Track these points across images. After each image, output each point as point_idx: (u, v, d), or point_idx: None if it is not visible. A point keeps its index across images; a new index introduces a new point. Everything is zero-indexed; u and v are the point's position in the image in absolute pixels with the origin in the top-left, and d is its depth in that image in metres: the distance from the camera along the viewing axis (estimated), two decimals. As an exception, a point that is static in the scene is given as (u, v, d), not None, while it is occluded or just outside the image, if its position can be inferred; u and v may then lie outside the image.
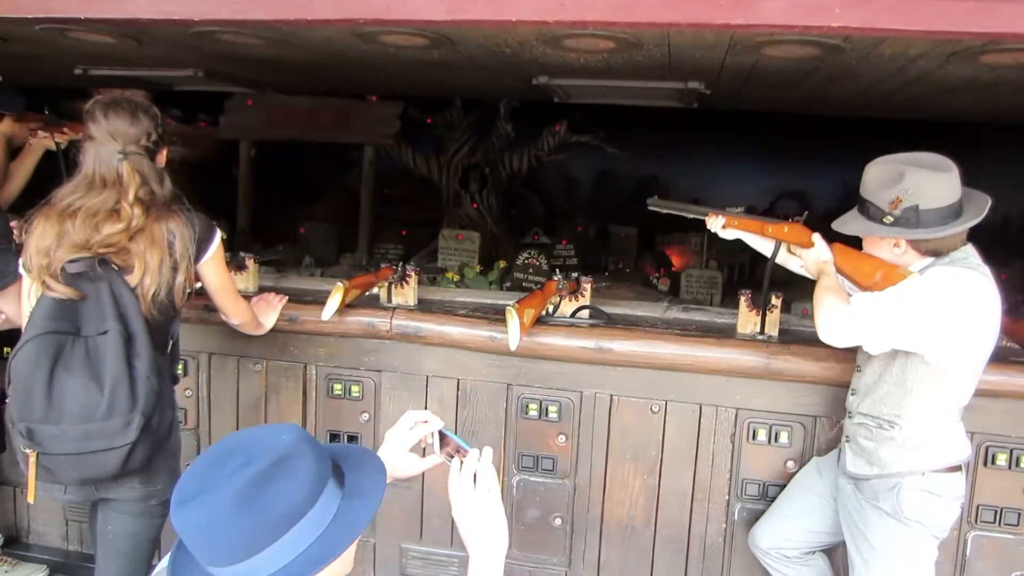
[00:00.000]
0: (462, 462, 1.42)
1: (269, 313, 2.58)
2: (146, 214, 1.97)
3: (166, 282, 1.98)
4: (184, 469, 2.23)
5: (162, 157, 2.11)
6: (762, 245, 2.30)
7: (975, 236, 2.00)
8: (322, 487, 1.18)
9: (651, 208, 2.45)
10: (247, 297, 2.55)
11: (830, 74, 2.97)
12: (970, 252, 1.96)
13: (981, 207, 1.92)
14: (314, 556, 1.15)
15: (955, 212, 1.90)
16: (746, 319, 2.58)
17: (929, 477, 1.98)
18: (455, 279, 4.96)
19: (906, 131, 4.00)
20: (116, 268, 1.93)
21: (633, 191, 7.13)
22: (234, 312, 2.34)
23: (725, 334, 2.54)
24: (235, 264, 2.84)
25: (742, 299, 2.60)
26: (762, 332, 2.54)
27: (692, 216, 2.35)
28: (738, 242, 2.33)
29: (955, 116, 4.44)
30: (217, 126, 5.03)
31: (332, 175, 6.26)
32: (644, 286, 5.46)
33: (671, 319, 2.75)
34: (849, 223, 2.05)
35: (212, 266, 2.15)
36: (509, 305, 2.34)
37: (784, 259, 2.27)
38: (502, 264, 5.04)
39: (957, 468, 2.01)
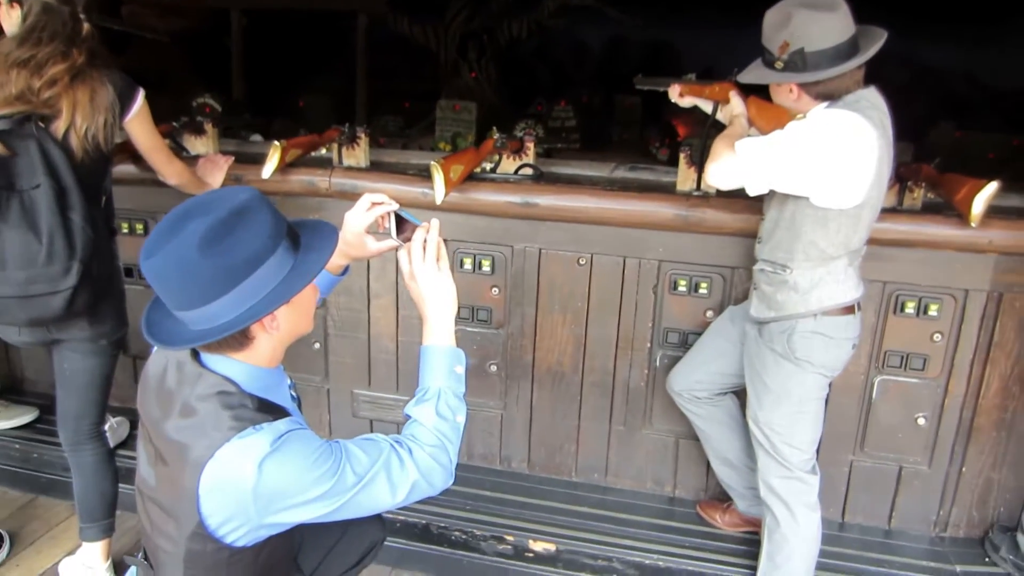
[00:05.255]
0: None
1: (215, 173, 2.69)
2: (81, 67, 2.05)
3: (96, 124, 2.07)
4: (129, 316, 2.44)
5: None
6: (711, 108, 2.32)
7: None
8: (280, 239, 1.31)
9: (637, 87, 2.57)
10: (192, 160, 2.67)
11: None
12: (866, 95, 1.89)
13: (874, 43, 1.85)
14: (273, 298, 1.30)
15: (845, 53, 1.83)
16: (685, 176, 2.58)
17: (820, 319, 2.01)
18: (447, 149, 4.99)
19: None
20: (42, 126, 2.04)
21: (646, 59, 6.87)
22: (169, 172, 2.45)
23: (665, 191, 2.56)
24: (193, 128, 2.93)
25: (681, 156, 2.59)
26: (698, 188, 2.55)
27: (663, 89, 2.40)
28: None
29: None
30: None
31: (330, 47, 6.22)
32: (643, 156, 5.40)
33: (617, 178, 2.76)
34: (750, 71, 2.02)
35: (138, 124, 2.25)
36: (433, 161, 2.40)
37: (724, 118, 2.28)
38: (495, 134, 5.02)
39: (850, 310, 2.04)
